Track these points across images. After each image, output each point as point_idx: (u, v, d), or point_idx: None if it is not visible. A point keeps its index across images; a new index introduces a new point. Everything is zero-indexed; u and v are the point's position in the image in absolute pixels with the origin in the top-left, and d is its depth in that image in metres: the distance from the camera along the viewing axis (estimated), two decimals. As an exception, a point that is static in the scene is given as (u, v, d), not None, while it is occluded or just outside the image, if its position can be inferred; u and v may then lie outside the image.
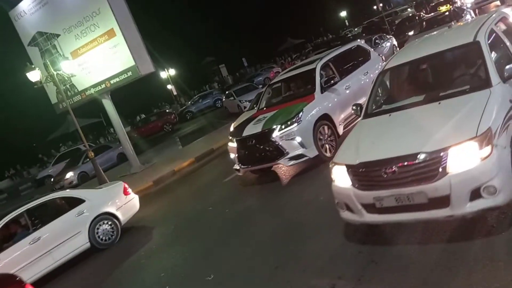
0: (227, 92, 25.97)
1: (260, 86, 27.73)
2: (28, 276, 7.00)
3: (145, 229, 8.56)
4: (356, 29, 42.05)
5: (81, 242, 7.71)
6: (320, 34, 53.74)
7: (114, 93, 15.46)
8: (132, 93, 31.60)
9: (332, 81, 8.33)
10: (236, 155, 8.09)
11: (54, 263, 7.37)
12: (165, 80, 40.30)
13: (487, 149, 3.40)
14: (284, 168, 8.08)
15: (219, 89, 38.01)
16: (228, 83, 41.94)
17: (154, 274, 6.03)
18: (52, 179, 20.90)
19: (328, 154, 7.56)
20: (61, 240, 7.50)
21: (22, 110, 42.62)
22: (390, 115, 4.42)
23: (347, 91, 8.46)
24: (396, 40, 18.76)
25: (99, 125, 38.19)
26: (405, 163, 3.58)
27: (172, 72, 40.18)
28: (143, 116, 36.23)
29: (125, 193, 8.64)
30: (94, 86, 14.85)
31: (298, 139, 7.35)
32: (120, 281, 6.37)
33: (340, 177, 4.09)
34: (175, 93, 39.09)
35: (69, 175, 19.54)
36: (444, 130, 3.69)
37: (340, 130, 8.05)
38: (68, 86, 15.54)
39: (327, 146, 7.70)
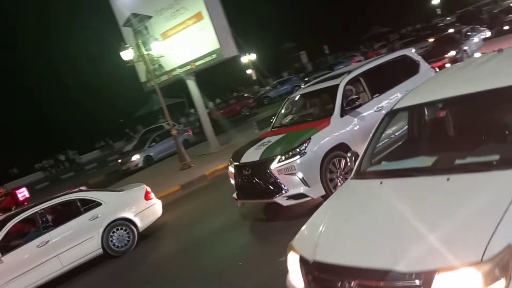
0: (306, 79, 25.82)
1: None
2: (33, 280, 6.84)
3: (173, 232, 8.22)
4: (449, 18, 39.29)
5: (93, 248, 7.36)
6: (408, 23, 51.11)
7: (197, 75, 16.05)
8: (213, 76, 32.65)
9: (357, 102, 6.82)
10: (233, 182, 6.99)
11: (62, 268, 7.09)
12: (245, 65, 40.95)
13: (499, 285, 2.08)
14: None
15: (297, 76, 37.84)
16: (308, 70, 41.59)
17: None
18: (119, 161, 21.62)
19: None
20: (71, 244, 7.18)
21: (114, 88, 45.81)
22: (381, 182, 3.14)
23: (377, 114, 6.80)
24: (491, 33, 17.26)
25: (181, 105, 39.95)
26: (368, 282, 2.42)
27: (252, 56, 40.72)
28: (219, 100, 37.24)
29: (146, 197, 8.17)
30: (180, 67, 15.51)
31: (300, 175, 6.04)
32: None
33: (294, 271, 2.95)
34: (254, 77, 39.61)
35: (135, 157, 20.24)
36: (436, 236, 2.34)
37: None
38: (156, 66, 16.37)
39: (340, 183, 6.20)
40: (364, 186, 3.35)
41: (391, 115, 3.79)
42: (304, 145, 6.19)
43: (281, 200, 6.14)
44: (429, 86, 3.88)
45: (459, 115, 3.62)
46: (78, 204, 7.55)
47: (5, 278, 6.65)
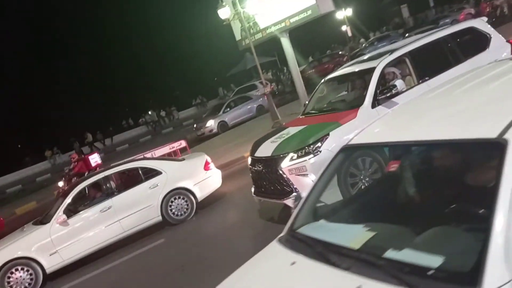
0: (406, 35, 24.13)
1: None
2: (96, 243, 7.25)
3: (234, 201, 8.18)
4: None
5: (152, 215, 7.61)
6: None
7: (290, 32, 15.86)
8: (307, 34, 31.98)
9: (393, 90, 5.69)
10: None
11: (123, 232, 7.43)
12: (340, 22, 39.37)
13: None
14: None
15: (396, 32, 35.52)
16: (408, 26, 38.74)
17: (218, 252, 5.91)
18: (194, 126, 21.60)
19: None
20: (131, 211, 7.47)
21: (209, 47, 47.20)
22: (293, 263, 2.32)
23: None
24: None
25: (272, 64, 40.03)
26: None
27: (348, 12, 38.93)
28: (311, 58, 36.53)
29: (206, 168, 8.19)
30: (275, 24, 15.40)
31: (312, 177, 5.18)
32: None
33: None
34: (350, 34, 38.05)
35: (210, 123, 20.06)
36: None
37: None
38: (251, 23, 16.48)
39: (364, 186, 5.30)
40: (274, 264, 2.49)
41: (347, 152, 2.88)
42: (320, 142, 5.39)
43: (291, 203, 5.46)
44: (402, 115, 2.85)
45: (415, 173, 2.66)
46: (140, 172, 7.87)
47: (70, 239, 7.15)
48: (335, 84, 7.29)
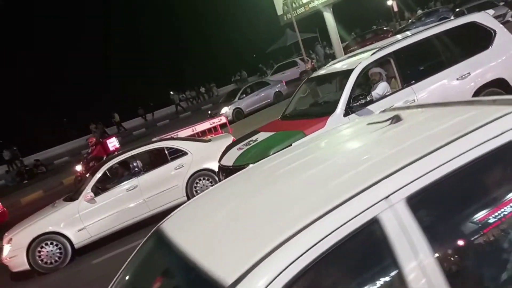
0: (457, 10, 23.00)
1: (502, 3, 23.52)
2: (122, 221, 7.30)
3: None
4: None
5: (177, 195, 7.56)
6: None
7: (333, 7, 15.50)
8: (349, 9, 31.08)
9: (367, 97, 5.30)
10: None
11: (149, 211, 7.43)
12: (386, -5, 37.90)
13: None
14: None
15: (445, 7, 33.86)
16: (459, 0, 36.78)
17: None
18: (209, 112, 20.31)
19: None
20: (157, 191, 7.46)
21: (248, 23, 46.79)
22: None
23: None
24: None
25: (313, 40, 39.32)
26: None
27: (395, -15, 37.35)
28: (354, 34, 35.53)
29: None
30: (318, -2, 15.15)
31: None
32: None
33: None
34: (395, 9, 36.60)
35: (224, 110, 18.63)
36: None
37: None
38: (293, -3, 16.25)
39: None
40: None
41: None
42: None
43: None
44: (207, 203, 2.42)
45: None
46: (166, 152, 7.82)
47: (97, 217, 7.24)
48: (318, 84, 6.73)
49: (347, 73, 5.54)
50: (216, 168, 7.31)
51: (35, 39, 46.30)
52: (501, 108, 1.96)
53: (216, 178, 6.98)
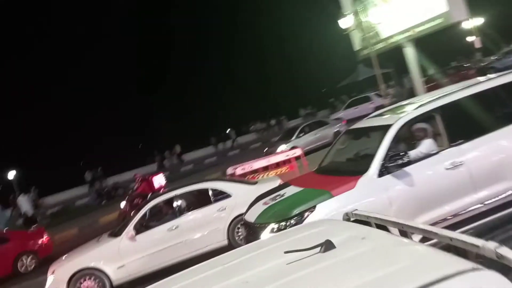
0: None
1: None
2: (162, 260, 7.13)
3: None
4: None
5: (218, 239, 7.31)
6: None
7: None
8: (429, 44, 30.22)
9: (404, 158, 4.57)
10: None
11: (189, 253, 7.20)
12: (467, 31, 36.53)
13: None
14: None
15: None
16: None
17: None
18: (264, 150, 19.23)
19: None
20: (197, 233, 7.27)
21: (319, 58, 47.25)
22: None
23: (447, 175, 4.65)
24: None
25: (387, 76, 38.63)
26: None
27: (478, 21, 36.00)
28: (433, 71, 34.35)
29: None
30: (399, 33, 14.53)
31: None
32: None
33: None
34: (478, 45, 35.08)
35: (281, 148, 17.56)
36: None
37: None
38: (372, 33, 16.09)
39: None
40: None
41: None
42: (303, 215, 4.48)
43: None
44: None
45: None
46: (209, 193, 7.59)
47: (136, 255, 7.14)
48: (356, 137, 6.12)
49: (384, 128, 4.93)
50: None
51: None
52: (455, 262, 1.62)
53: None
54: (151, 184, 11.94)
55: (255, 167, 11.71)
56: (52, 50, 49.40)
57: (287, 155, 11.86)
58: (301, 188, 5.18)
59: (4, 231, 12.83)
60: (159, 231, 7.33)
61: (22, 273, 11.05)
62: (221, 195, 7.59)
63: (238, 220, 7.21)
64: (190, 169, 28.52)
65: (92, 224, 16.27)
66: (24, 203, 21.70)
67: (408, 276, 1.60)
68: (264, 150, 18.98)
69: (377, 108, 24.58)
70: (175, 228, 7.27)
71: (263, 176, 11.68)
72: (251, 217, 5.18)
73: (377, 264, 1.78)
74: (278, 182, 7.61)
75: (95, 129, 44.09)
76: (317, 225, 2.65)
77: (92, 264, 7.09)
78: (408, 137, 5.40)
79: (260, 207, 5.21)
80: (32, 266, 11.18)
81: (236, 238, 7.33)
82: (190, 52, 54.83)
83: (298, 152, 12.00)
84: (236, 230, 7.34)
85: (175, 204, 7.62)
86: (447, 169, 4.69)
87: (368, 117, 6.29)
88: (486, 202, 4.72)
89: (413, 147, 5.10)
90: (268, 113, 41.28)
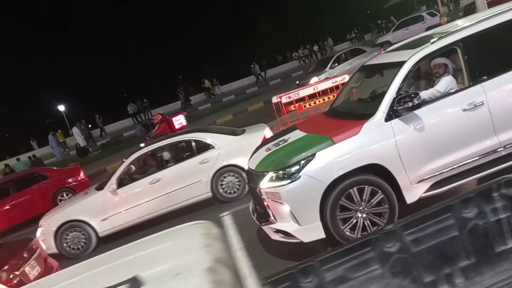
0: None
1: None
2: (145, 213, 7.10)
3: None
4: None
5: (201, 191, 7.16)
6: None
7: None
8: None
9: (415, 99, 4.03)
10: None
11: (171, 206, 7.15)
12: None
13: None
14: None
15: None
16: None
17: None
18: (296, 83, 17.48)
19: (353, 235, 4.13)
20: (180, 186, 7.09)
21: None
22: None
23: (471, 114, 4.14)
24: None
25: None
26: None
27: None
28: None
29: None
30: None
31: (287, 207, 4.16)
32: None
33: None
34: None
35: (314, 80, 15.47)
36: None
37: (414, 193, 4.17)
38: None
39: (361, 222, 4.15)
40: None
41: None
42: (301, 163, 4.12)
43: (268, 230, 4.54)
44: None
45: None
46: (192, 145, 7.38)
47: (119, 208, 7.11)
48: (369, 75, 5.44)
49: (397, 65, 4.35)
50: (244, 165, 6.65)
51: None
52: None
53: (244, 175, 6.39)
54: (171, 124, 11.63)
55: (301, 95, 11.18)
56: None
57: (335, 81, 11.17)
58: (305, 133, 4.79)
59: (43, 169, 13.22)
60: (140, 185, 7.22)
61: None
62: (204, 147, 7.33)
63: (222, 171, 7.11)
64: (232, 99, 28.29)
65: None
66: (76, 135, 22.59)
67: None
68: (296, 83, 17.44)
69: (429, 28, 22.88)
70: (157, 181, 7.15)
71: (309, 104, 11.19)
72: (252, 163, 4.91)
73: None
74: (262, 132, 7.32)
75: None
76: (179, 234, 2.42)
77: (77, 217, 7.15)
78: (429, 73, 4.81)
79: (262, 153, 4.90)
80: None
81: (220, 190, 7.18)
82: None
83: (347, 78, 11.29)
84: (220, 182, 7.16)
85: (157, 156, 7.49)
86: (465, 110, 4.19)
87: (385, 50, 5.59)
88: (508, 146, 4.26)
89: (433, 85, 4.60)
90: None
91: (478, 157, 4.24)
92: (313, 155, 4.15)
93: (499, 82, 4.26)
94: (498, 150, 4.26)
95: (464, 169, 4.24)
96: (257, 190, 4.45)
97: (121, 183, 7.24)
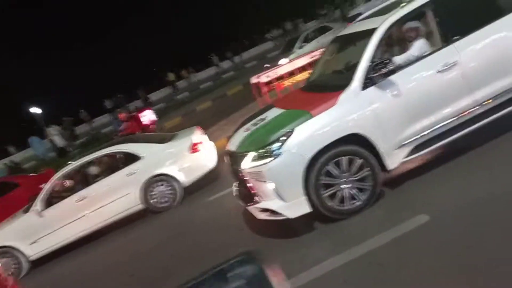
0: None
1: None
2: (74, 232, 7.00)
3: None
4: None
5: (131, 204, 7.04)
6: None
7: None
8: None
9: (388, 65, 4.07)
10: None
11: (104, 221, 7.03)
12: None
13: None
14: None
15: None
16: None
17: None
18: (264, 66, 16.07)
19: (344, 207, 4.19)
20: (108, 200, 6.98)
21: None
22: None
23: (445, 75, 4.19)
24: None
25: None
26: None
27: None
28: None
29: (193, 150, 7.17)
30: None
31: (271, 185, 4.16)
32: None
33: None
34: None
35: (283, 61, 14.03)
36: None
37: (393, 160, 4.21)
38: None
39: (345, 192, 4.19)
40: None
41: None
42: (281, 140, 4.11)
43: (253, 210, 4.52)
44: None
45: None
46: (120, 157, 7.32)
47: (45, 231, 6.98)
48: (343, 46, 5.38)
49: (369, 33, 4.32)
50: (173, 172, 7.03)
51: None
52: None
53: (175, 184, 6.89)
54: (138, 121, 11.27)
55: (280, 73, 11.04)
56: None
57: (312, 57, 11.04)
58: (283, 110, 4.77)
59: (13, 177, 12.73)
60: (67, 203, 7.10)
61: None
62: (131, 158, 7.22)
63: (151, 182, 7.03)
64: (210, 85, 28.00)
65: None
66: (52, 135, 22.08)
67: None
68: (264, 66, 16.41)
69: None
70: (83, 198, 7.05)
71: (290, 82, 11.07)
72: (232, 145, 4.90)
73: None
74: (190, 137, 7.30)
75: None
76: None
77: (4, 243, 7.01)
78: (402, 39, 4.85)
79: (241, 134, 4.89)
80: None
81: (152, 201, 7.10)
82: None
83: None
84: (150, 192, 7.09)
85: (82, 173, 7.37)
86: (439, 71, 4.22)
87: (356, 20, 5.51)
88: (484, 103, 4.33)
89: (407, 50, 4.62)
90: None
91: (456, 117, 4.28)
92: (292, 131, 4.15)
93: (471, 40, 4.30)
94: (475, 108, 4.32)
95: (443, 130, 4.29)
96: (240, 171, 4.46)
97: (49, 203, 7.11)
